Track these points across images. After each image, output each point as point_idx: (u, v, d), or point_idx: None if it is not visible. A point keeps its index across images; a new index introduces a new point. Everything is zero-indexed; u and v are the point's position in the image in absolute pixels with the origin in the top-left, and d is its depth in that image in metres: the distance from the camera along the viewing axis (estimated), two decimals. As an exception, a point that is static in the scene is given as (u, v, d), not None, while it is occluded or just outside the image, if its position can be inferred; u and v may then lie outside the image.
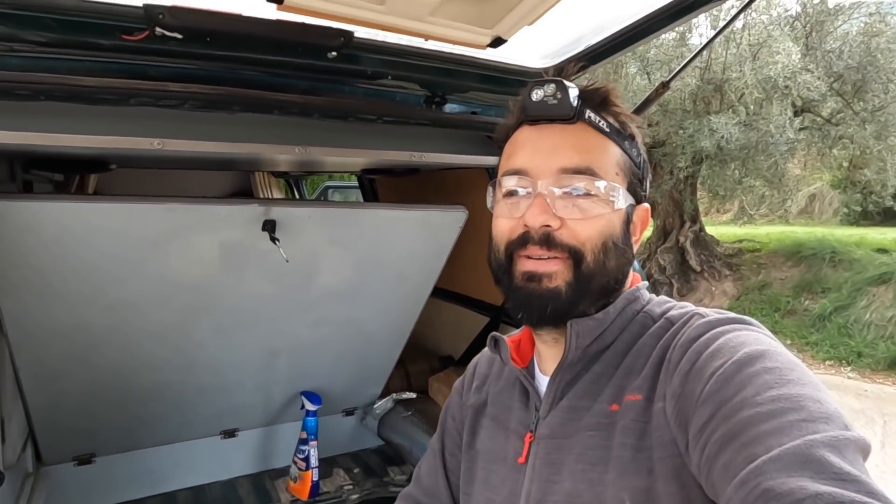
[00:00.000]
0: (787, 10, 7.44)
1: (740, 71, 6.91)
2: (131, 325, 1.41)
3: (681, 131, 7.54)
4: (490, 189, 0.77)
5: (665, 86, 1.21)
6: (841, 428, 0.51)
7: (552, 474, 0.70)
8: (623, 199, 0.71)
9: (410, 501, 0.94)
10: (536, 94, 0.70)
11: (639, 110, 1.28)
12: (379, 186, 2.69)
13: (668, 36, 9.46)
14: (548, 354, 0.77)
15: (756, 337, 0.62)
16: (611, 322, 0.72)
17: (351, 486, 1.89)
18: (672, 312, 0.72)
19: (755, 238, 9.52)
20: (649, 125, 8.83)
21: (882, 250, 7.46)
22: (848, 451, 0.49)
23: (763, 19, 7.37)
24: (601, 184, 0.69)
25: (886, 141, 6.79)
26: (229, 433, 1.92)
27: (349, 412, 2.15)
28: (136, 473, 1.78)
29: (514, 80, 1.37)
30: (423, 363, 2.28)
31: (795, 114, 7.11)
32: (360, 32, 1.13)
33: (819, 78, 6.69)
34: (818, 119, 7.65)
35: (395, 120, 1.32)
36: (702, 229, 9.28)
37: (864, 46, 6.83)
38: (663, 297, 0.78)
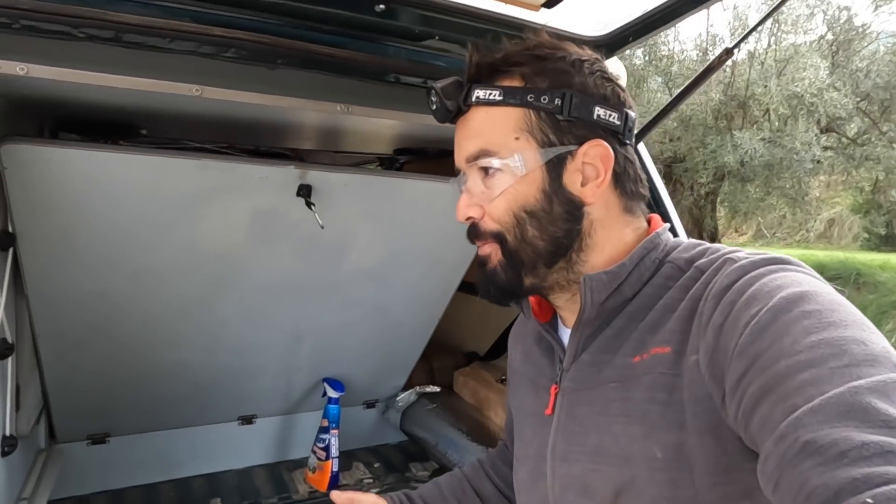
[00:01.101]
0: (813, 28, 7.39)
1: (765, 87, 6.84)
2: (154, 298, 1.35)
3: (703, 147, 7.46)
4: None
5: (729, 52, 1.15)
6: (890, 370, 0.46)
7: (576, 426, 0.69)
8: (533, 160, 0.68)
9: (495, 451, 1.02)
10: (431, 106, 0.74)
11: (701, 77, 1.21)
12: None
13: (692, 55, 9.44)
14: (566, 312, 0.76)
15: (794, 277, 0.57)
16: (627, 274, 0.68)
17: (371, 481, 1.81)
18: (701, 261, 0.67)
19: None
20: (670, 140, 8.76)
21: (908, 274, 7.31)
22: None
23: (790, 37, 7.32)
24: (494, 160, 0.69)
25: (915, 162, 6.68)
26: (247, 420, 1.86)
27: (370, 404, 2.07)
28: (150, 456, 1.72)
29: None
30: (448, 358, 2.20)
31: (822, 131, 7.01)
32: (411, -15, 1.08)
33: (846, 96, 6.60)
34: (843, 139, 7.53)
35: (439, 86, 1.26)
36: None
37: (892, 66, 6.74)
38: (691, 241, 0.72)
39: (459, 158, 0.73)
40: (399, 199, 1.36)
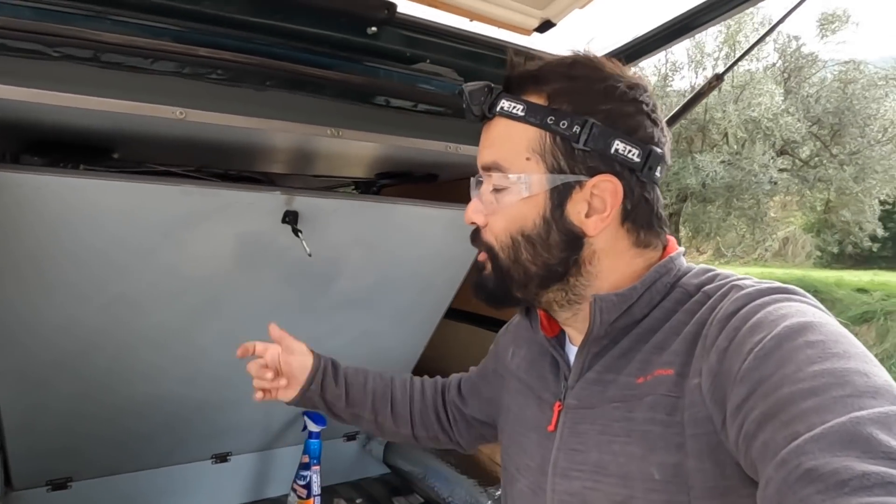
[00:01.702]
0: (766, 56, 7.74)
1: (723, 111, 7.10)
2: (129, 328, 1.27)
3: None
4: None
5: (719, 78, 1.16)
6: (891, 402, 0.47)
7: (577, 444, 0.70)
8: (539, 184, 0.67)
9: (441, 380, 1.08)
10: (464, 100, 0.72)
11: (690, 104, 1.22)
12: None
13: (653, 80, 9.74)
14: (573, 328, 0.76)
15: (799, 308, 0.57)
16: (638, 297, 0.68)
17: (354, 518, 1.73)
18: (709, 286, 0.67)
19: (736, 277, 9.61)
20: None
21: (862, 290, 7.59)
22: None
23: (744, 63, 7.63)
24: (504, 176, 0.69)
25: (864, 183, 6.99)
26: (221, 458, 1.75)
27: (351, 437, 1.99)
28: (116, 501, 1.59)
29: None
30: (430, 386, 2.14)
31: (777, 154, 7.30)
32: (403, 7, 1.06)
33: (799, 120, 6.90)
34: (797, 161, 7.85)
35: (429, 110, 1.23)
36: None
37: (840, 92, 7.09)
38: (703, 267, 0.72)
39: (479, 162, 0.73)
40: (389, 225, 1.32)
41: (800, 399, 0.49)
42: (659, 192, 0.72)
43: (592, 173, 0.66)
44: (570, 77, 0.68)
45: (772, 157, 7.14)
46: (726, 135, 7.41)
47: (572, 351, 0.76)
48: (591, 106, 0.66)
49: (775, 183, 7.47)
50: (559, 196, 0.67)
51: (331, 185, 2.13)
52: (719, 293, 0.65)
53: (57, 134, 1.15)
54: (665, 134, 0.71)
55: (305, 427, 1.73)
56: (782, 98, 7.01)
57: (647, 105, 0.67)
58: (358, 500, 1.84)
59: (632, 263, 0.71)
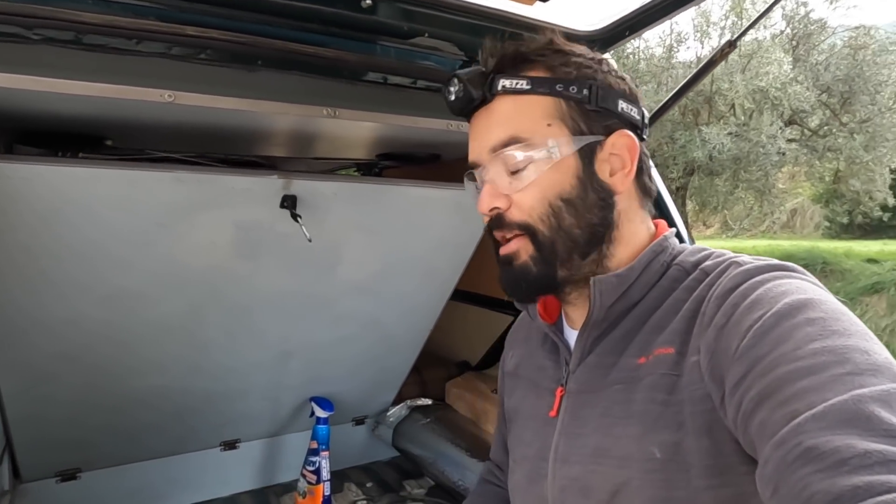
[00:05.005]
0: (774, 24, 7.55)
1: (730, 82, 6.96)
2: (132, 319, 1.24)
3: (672, 142, 7.54)
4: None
5: (732, 45, 1.11)
6: (892, 380, 0.46)
7: (578, 427, 0.69)
8: (567, 146, 0.68)
9: (492, 465, 1.00)
10: (449, 96, 0.72)
11: (702, 72, 1.17)
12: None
13: (657, 52, 9.56)
14: (575, 312, 0.76)
15: (798, 285, 0.57)
16: (636, 277, 0.69)
17: (365, 501, 1.72)
18: (707, 263, 0.68)
19: (743, 251, 9.54)
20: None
21: (872, 260, 7.50)
22: None
23: (751, 32, 7.46)
24: (529, 145, 0.68)
25: (875, 151, 6.86)
26: (230, 445, 1.75)
27: (359, 421, 1.98)
28: (125, 492, 1.59)
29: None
30: (439, 369, 2.12)
31: (786, 124, 7.17)
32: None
33: (808, 89, 6.76)
34: (806, 131, 7.71)
35: (429, 87, 1.19)
36: (692, 242, 9.29)
37: (850, 59, 6.92)
38: (698, 246, 0.74)
39: (481, 149, 0.71)
40: (391, 208, 1.28)
41: (799, 377, 0.48)
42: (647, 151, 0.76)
43: (608, 132, 0.69)
44: (559, 51, 0.70)
45: (780, 128, 7.01)
46: (733, 106, 7.28)
47: (572, 336, 0.76)
48: (589, 73, 0.69)
49: (783, 154, 7.35)
50: (587, 156, 0.68)
51: (332, 168, 2.09)
52: (717, 270, 0.65)
53: (48, 123, 1.12)
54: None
55: (313, 413, 1.72)
56: (791, 66, 6.86)
57: (621, 73, 0.72)
58: (368, 485, 1.83)
59: (639, 230, 0.73)
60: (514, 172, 0.69)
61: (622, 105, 0.69)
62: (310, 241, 1.12)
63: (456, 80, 0.71)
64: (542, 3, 1.11)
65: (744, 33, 1.14)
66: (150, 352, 1.33)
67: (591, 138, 0.68)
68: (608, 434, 0.66)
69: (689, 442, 0.59)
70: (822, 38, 7.59)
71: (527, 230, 0.69)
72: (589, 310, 0.69)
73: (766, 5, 1.25)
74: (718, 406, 0.57)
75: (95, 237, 1.09)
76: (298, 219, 1.12)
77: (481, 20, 1.13)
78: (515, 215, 0.69)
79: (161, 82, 0.92)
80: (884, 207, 7.94)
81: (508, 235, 0.70)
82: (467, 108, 0.72)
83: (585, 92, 0.67)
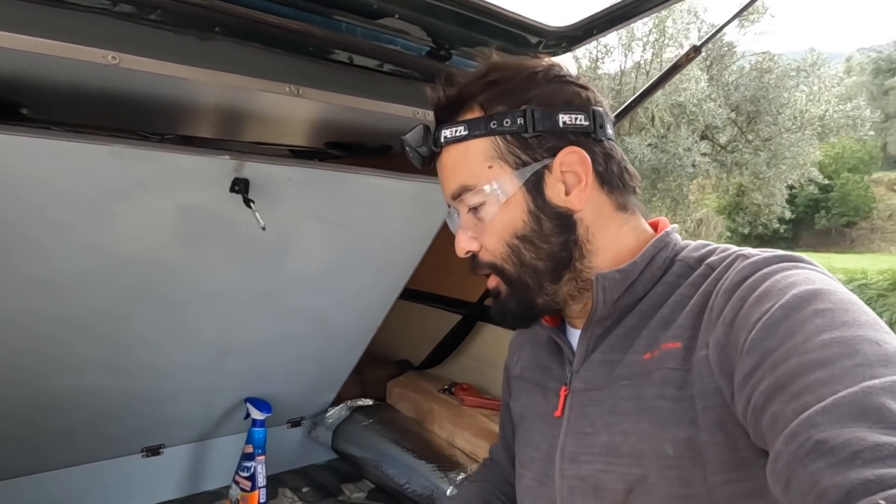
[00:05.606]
0: (691, 43, 8.03)
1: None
2: (49, 314, 1.09)
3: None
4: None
5: (697, 50, 1.13)
6: None
7: (585, 426, 0.69)
8: (510, 184, 0.69)
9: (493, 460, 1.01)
10: (407, 152, 0.75)
11: (666, 76, 1.19)
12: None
13: (584, 62, 9.90)
14: (576, 311, 0.75)
15: (807, 275, 0.57)
16: (639, 273, 0.68)
17: (302, 508, 1.63)
18: (711, 258, 0.67)
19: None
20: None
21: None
22: None
23: (670, 49, 7.90)
24: (476, 192, 0.70)
25: (776, 168, 7.47)
26: (153, 450, 1.60)
27: (295, 423, 1.88)
28: (36, 503, 1.42)
29: (525, 39, 1.24)
30: (379, 369, 2.05)
31: (700, 138, 7.65)
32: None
33: (720, 106, 7.26)
34: (717, 146, 8.26)
35: (396, 71, 1.13)
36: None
37: (757, 81, 7.50)
38: (701, 242, 0.74)
39: (445, 197, 0.75)
40: (349, 196, 1.21)
41: (808, 370, 0.48)
42: (619, 148, 0.74)
43: (554, 152, 0.68)
44: (490, 83, 0.70)
45: (695, 142, 7.47)
46: (653, 118, 7.66)
47: (574, 336, 0.75)
48: (521, 97, 0.69)
49: (697, 166, 7.82)
50: (534, 186, 0.69)
51: (271, 155, 1.97)
52: (724, 264, 0.64)
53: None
54: (596, 93, 0.73)
55: (248, 415, 1.61)
56: (706, 84, 7.32)
57: (568, 76, 0.71)
58: (304, 489, 1.74)
59: (621, 233, 0.72)
60: (477, 217, 0.71)
61: (564, 119, 0.69)
62: (263, 228, 1.03)
63: (410, 139, 0.74)
64: (516, -6, 1.08)
65: (709, 40, 1.17)
66: (68, 350, 1.18)
67: (537, 166, 0.68)
68: (618, 431, 0.65)
69: (703, 437, 0.58)
70: (733, 60, 8.14)
71: (495, 270, 0.72)
72: (592, 307, 0.68)
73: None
74: (729, 401, 0.56)
75: (8, 216, 0.94)
76: (251, 204, 1.03)
77: (451, 5, 1.09)
78: (485, 257, 0.72)
79: (101, 43, 0.81)
80: (781, 220, 8.65)
81: (484, 275, 0.74)
82: (426, 164, 0.75)
83: (520, 121, 0.67)
